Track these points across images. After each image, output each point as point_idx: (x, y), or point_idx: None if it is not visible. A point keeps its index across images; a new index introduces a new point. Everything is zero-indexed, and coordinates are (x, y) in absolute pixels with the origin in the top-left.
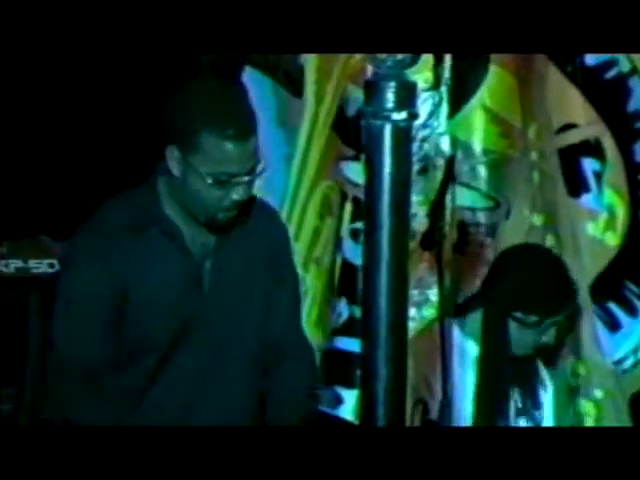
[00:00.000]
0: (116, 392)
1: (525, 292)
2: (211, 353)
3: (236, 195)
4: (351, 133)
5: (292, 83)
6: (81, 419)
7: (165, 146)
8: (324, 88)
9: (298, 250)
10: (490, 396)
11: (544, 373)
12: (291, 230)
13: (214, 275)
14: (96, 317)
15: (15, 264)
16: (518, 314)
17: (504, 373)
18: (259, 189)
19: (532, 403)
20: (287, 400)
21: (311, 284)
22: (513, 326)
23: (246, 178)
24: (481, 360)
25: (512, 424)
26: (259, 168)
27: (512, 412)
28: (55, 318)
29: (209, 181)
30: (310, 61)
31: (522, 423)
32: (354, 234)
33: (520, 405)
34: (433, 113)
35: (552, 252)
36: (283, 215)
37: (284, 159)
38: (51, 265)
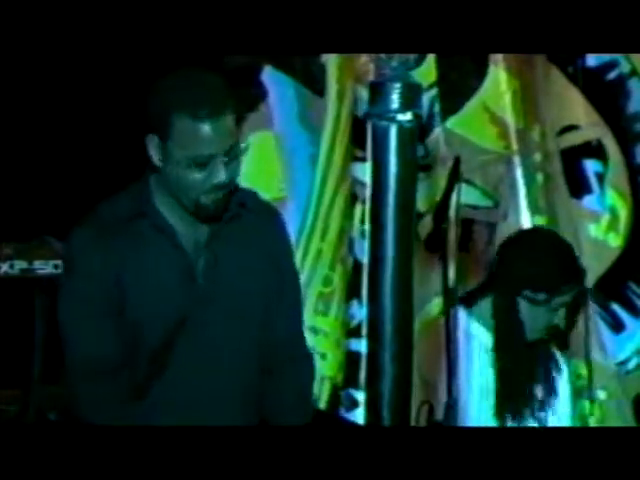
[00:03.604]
0: (127, 389)
1: (532, 269)
2: (208, 348)
3: (215, 178)
4: (360, 134)
5: (314, 82)
6: (100, 418)
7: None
8: (346, 87)
9: (325, 250)
10: (510, 384)
11: (559, 359)
12: (318, 230)
13: (207, 270)
14: (99, 312)
15: (20, 265)
16: (527, 292)
17: (521, 357)
18: (285, 190)
19: (550, 391)
20: (287, 402)
21: (337, 284)
22: (524, 306)
23: (224, 159)
24: (497, 346)
25: (533, 414)
26: (240, 148)
27: (534, 403)
28: (60, 318)
29: (186, 164)
30: (332, 60)
31: (541, 412)
32: (365, 235)
33: (539, 394)
34: (433, 112)
35: (556, 233)
36: (309, 215)
37: (309, 159)
38: (56, 266)
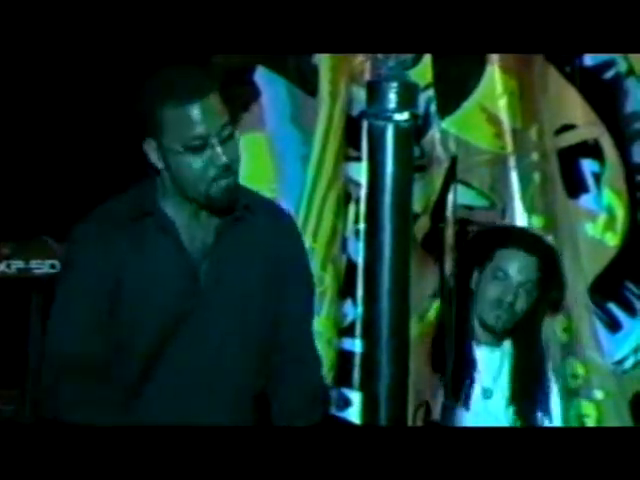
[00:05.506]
0: (111, 390)
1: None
2: (208, 350)
3: (216, 160)
4: (354, 134)
5: (306, 82)
6: (78, 418)
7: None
8: (338, 87)
9: (317, 250)
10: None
11: (549, 375)
12: (309, 230)
13: (211, 272)
14: (93, 310)
15: (17, 265)
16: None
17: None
18: (277, 190)
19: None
20: (292, 402)
21: (329, 284)
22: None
23: (218, 138)
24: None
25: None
26: (232, 128)
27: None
28: (52, 314)
29: (183, 151)
30: (324, 60)
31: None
32: (358, 234)
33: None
34: (429, 112)
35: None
36: (301, 215)
37: (301, 160)
38: (53, 266)
